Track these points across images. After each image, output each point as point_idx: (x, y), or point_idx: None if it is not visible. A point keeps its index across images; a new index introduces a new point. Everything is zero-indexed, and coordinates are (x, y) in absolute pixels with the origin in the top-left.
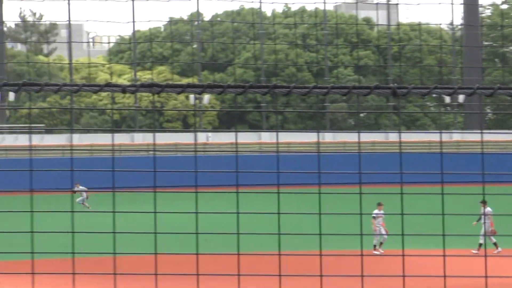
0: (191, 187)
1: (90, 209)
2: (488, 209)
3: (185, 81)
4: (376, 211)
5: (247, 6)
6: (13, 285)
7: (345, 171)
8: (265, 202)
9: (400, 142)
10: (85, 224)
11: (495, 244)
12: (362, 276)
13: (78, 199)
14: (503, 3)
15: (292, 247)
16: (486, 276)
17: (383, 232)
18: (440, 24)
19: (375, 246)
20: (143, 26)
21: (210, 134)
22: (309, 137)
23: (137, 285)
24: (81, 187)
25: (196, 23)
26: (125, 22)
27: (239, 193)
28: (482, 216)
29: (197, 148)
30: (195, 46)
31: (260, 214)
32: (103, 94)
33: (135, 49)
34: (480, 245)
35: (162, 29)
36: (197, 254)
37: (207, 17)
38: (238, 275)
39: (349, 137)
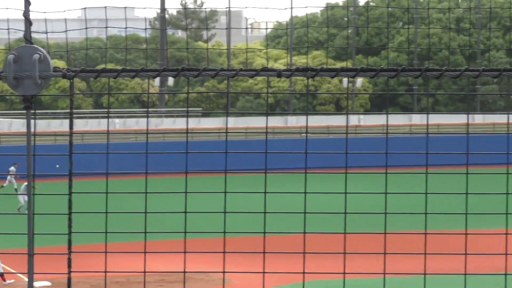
0: (341, 168)
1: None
2: None
3: (339, 65)
4: None
5: None
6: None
7: (493, 152)
8: (414, 183)
9: None
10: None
11: None
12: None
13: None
14: None
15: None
16: None
17: None
18: None
19: None
20: (300, 12)
21: (361, 116)
22: (459, 119)
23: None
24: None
25: (351, 8)
26: (283, 8)
27: (388, 174)
28: None
29: (348, 130)
30: (350, 31)
31: (407, 194)
32: (259, 78)
33: (292, 35)
34: None
35: (318, 14)
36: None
37: (362, 2)
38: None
39: (499, 118)
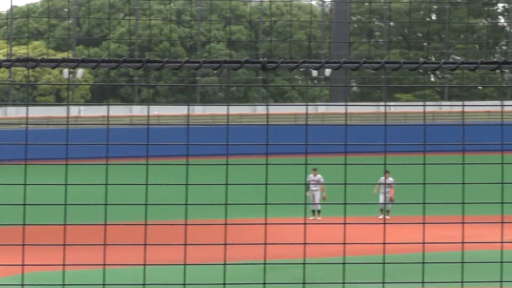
0: (62, 159)
1: None
2: (390, 179)
3: (60, 55)
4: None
5: None
6: None
7: (213, 143)
8: (135, 174)
9: (268, 115)
10: None
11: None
12: (225, 244)
13: None
14: None
15: (157, 216)
16: (344, 243)
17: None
18: (311, 0)
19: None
20: (20, 2)
21: (82, 107)
22: (180, 110)
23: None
24: None
25: None
26: None
27: (108, 165)
28: (383, 186)
29: (69, 121)
30: (70, 21)
31: (131, 185)
32: None
33: (12, 24)
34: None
35: (39, 5)
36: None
37: None
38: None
39: (219, 110)
